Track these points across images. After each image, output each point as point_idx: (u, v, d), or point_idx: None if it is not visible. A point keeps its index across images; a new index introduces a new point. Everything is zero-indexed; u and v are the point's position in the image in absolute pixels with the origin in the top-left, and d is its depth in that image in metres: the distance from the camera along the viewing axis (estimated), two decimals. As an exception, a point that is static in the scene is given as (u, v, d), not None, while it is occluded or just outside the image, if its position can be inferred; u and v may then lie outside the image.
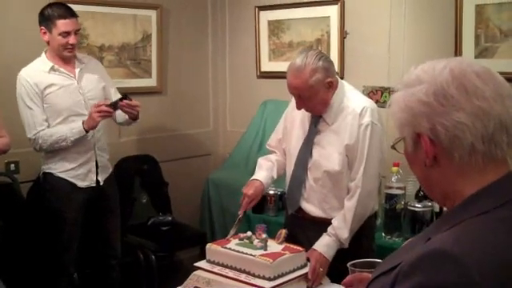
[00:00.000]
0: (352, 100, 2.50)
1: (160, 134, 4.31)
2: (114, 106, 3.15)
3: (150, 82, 4.43)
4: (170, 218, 4.13)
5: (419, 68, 1.16)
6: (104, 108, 3.09)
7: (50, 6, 3.15)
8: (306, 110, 2.54)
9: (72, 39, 3.12)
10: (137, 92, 4.28)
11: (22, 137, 3.30)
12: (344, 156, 2.48)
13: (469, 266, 0.95)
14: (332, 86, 2.47)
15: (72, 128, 3.13)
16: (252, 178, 2.70)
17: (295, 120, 2.66)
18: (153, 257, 3.83)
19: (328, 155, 2.51)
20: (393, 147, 1.23)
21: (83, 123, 3.12)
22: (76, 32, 3.15)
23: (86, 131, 3.13)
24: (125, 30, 4.25)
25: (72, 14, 3.13)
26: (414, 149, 1.14)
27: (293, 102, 2.65)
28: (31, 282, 3.35)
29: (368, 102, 2.52)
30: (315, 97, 2.44)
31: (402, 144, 1.19)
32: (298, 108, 2.51)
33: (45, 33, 3.13)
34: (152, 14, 4.36)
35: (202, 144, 4.80)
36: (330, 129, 2.52)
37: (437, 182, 1.14)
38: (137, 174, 4.21)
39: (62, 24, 3.08)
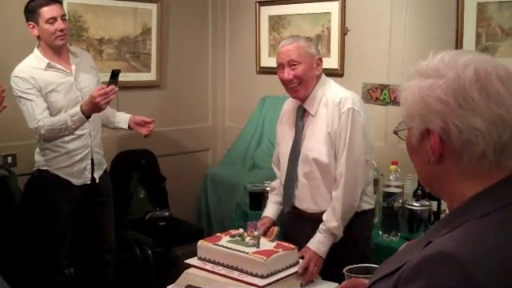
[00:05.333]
0: (333, 91, 2.55)
1: (158, 128, 4.27)
2: (114, 80, 2.95)
3: (150, 76, 4.40)
4: (167, 214, 4.12)
5: (439, 57, 1.09)
6: (108, 89, 2.90)
7: (30, 0, 3.11)
8: (290, 86, 2.54)
9: (60, 24, 3.08)
10: (136, 86, 4.29)
11: (20, 130, 3.29)
12: (329, 145, 2.49)
13: (472, 268, 0.94)
14: (320, 66, 2.55)
15: (72, 115, 3.00)
16: (263, 215, 2.76)
17: (285, 128, 2.70)
18: (149, 252, 3.82)
19: (313, 146, 2.53)
20: (395, 132, 1.19)
21: (82, 110, 2.97)
22: (63, 18, 3.11)
23: (88, 117, 3.01)
24: (125, 23, 4.23)
25: (54, 1, 3.11)
26: (420, 142, 1.10)
27: (282, 115, 2.73)
28: (26, 275, 3.34)
29: (349, 93, 2.54)
30: (305, 66, 2.49)
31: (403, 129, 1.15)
32: (286, 76, 2.51)
33: (33, 27, 3.09)
34: (152, 8, 4.33)
35: (201, 139, 4.77)
36: (313, 120, 2.55)
37: (437, 178, 1.12)
38: (134, 169, 4.19)
39: (46, 11, 3.05)
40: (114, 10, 4.16)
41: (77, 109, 3.00)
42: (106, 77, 3.78)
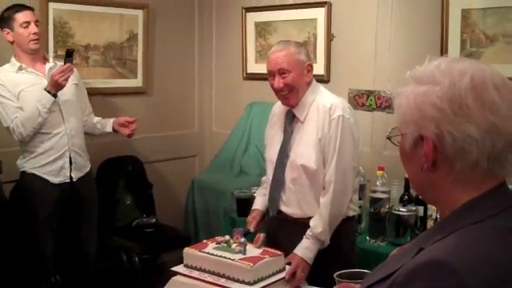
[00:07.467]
0: (324, 98, 2.55)
1: (145, 134, 4.27)
2: (69, 58, 3.19)
3: (136, 82, 4.39)
4: (154, 220, 4.11)
5: (435, 64, 1.08)
6: (64, 67, 3.14)
7: (5, 10, 3.28)
8: (281, 94, 2.54)
9: (33, 28, 3.24)
10: (122, 92, 4.27)
11: (5, 137, 3.28)
12: (318, 151, 2.49)
13: (465, 276, 0.93)
14: (310, 72, 2.55)
15: (39, 100, 3.15)
16: (252, 208, 2.79)
17: (273, 132, 2.71)
18: (136, 259, 3.81)
19: (302, 152, 2.53)
20: (388, 138, 1.18)
21: (46, 91, 3.15)
22: (36, 23, 3.27)
23: (54, 96, 3.16)
24: (111, 29, 4.22)
25: (28, 8, 3.31)
26: (413, 148, 1.09)
27: (270, 118, 2.74)
28: (13, 281, 3.31)
29: (339, 100, 2.55)
30: (295, 73, 2.49)
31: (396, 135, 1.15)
32: (277, 84, 2.51)
33: (8, 33, 3.26)
34: (138, 14, 4.32)
35: (188, 145, 4.76)
36: (302, 126, 2.56)
37: (430, 185, 1.11)
38: (121, 175, 4.17)
39: (21, 16, 3.23)
40: (100, 16, 4.14)
41: (42, 92, 3.16)
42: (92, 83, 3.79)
